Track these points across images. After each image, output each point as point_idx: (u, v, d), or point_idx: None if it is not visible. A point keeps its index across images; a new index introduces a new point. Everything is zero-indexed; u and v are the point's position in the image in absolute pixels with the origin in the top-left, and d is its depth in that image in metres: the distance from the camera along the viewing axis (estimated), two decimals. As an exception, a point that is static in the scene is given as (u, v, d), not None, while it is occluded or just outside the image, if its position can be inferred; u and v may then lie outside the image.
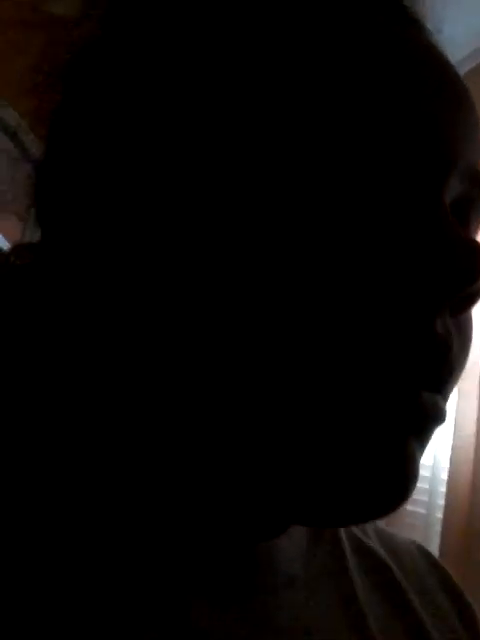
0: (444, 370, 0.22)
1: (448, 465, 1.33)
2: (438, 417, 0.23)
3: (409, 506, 1.45)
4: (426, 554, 0.38)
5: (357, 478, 0.21)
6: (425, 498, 1.42)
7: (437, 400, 0.23)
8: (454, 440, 1.32)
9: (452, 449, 1.32)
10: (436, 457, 1.42)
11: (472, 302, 0.23)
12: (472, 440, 1.29)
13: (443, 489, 1.34)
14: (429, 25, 0.28)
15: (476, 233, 0.28)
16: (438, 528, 1.32)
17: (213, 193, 0.22)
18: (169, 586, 0.25)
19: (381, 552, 0.35)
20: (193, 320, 0.22)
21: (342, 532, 0.33)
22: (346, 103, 0.22)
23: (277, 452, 0.22)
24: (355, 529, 0.35)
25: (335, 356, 0.21)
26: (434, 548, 1.31)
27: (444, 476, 1.35)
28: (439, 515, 1.34)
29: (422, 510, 1.42)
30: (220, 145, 0.22)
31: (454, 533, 1.27)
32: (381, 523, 0.41)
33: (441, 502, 1.34)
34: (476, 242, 0.22)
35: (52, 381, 0.27)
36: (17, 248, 0.29)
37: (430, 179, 0.23)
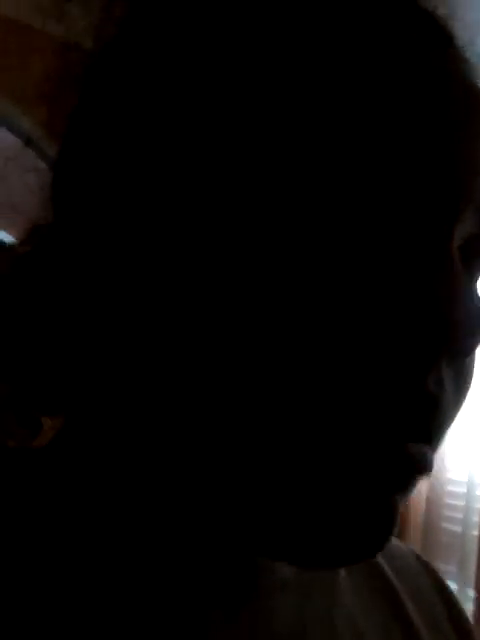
0: (433, 425, 0.22)
1: (483, 481, 1.30)
2: (424, 468, 0.22)
3: (445, 524, 1.42)
4: (423, 562, 0.39)
5: (339, 527, 0.21)
6: (460, 516, 1.39)
7: (425, 451, 0.22)
8: (489, 455, 1.29)
9: (487, 465, 1.29)
10: (471, 474, 1.39)
11: (469, 353, 0.22)
12: (508, 455, 1.26)
13: (479, 505, 1.31)
14: (463, 34, 0.26)
15: None
16: (475, 546, 1.29)
17: (213, 211, 0.22)
18: (179, 594, 0.25)
19: (377, 557, 0.34)
20: (180, 342, 0.22)
21: None
22: (355, 129, 0.21)
23: (261, 492, 0.22)
24: None
25: (324, 408, 0.20)
26: (471, 566, 1.28)
27: (479, 492, 1.32)
28: (475, 533, 1.31)
29: (458, 528, 1.39)
30: (225, 161, 0.22)
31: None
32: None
33: (477, 519, 1.31)
34: (474, 303, 0.21)
35: (55, 382, 0.27)
36: (34, 230, 0.29)
37: (439, 221, 0.21)
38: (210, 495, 0.23)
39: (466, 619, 0.37)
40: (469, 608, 1.22)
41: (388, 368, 0.20)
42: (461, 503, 1.40)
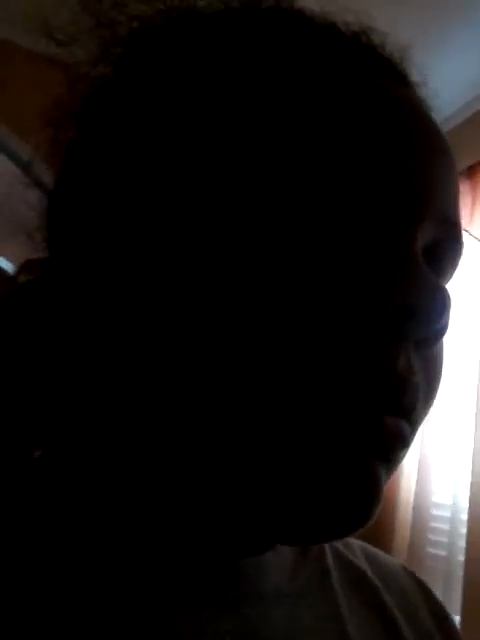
0: (404, 399, 0.24)
1: (468, 505, 1.29)
2: (400, 440, 0.24)
3: (430, 549, 1.41)
4: (411, 574, 0.40)
5: (325, 501, 0.23)
6: (445, 539, 1.38)
7: (400, 424, 0.24)
8: (473, 477, 1.29)
9: (471, 487, 1.29)
10: (455, 497, 1.39)
11: (435, 340, 0.25)
12: (491, 478, 1.26)
13: (464, 530, 1.31)
14: (418, 77, 0.31)
15: (451, 273, 0.30)
16: (460, 572, 1.28)
17: (203, 238, 0.24)
18: (157, 599, 0.26)
19: (367, 570, 0.36)
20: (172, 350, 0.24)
21: (327, 550, 0.35)
22: (319, 153, 0.24)
23: (252, 476, 0.23)
24: (341, 548, 0.36)
25: (302, 388, 0.23)
26: (457, 591, 1.27)
27: (464, 517, 1.32)
28: (460, 558, 1.30)
29: (443, 552, 1.38)
30: (215, 193, 0.24)
31: (477, 575, 1.23)
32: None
33: (462, 544, 1.31)
34: (441, 288, 0.24)
35: (56, 390, 0.28)
36: (27, 263, 0.31)
37: (402, 225, 0.25)
38: (198, 485, 0.24)
39: (456, 630, 0.38)
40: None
41: (361, 351, 0.23)
42: (445, 527, 1.39)
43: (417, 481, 1.47)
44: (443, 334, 0.25)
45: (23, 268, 0.31)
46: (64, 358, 0.28)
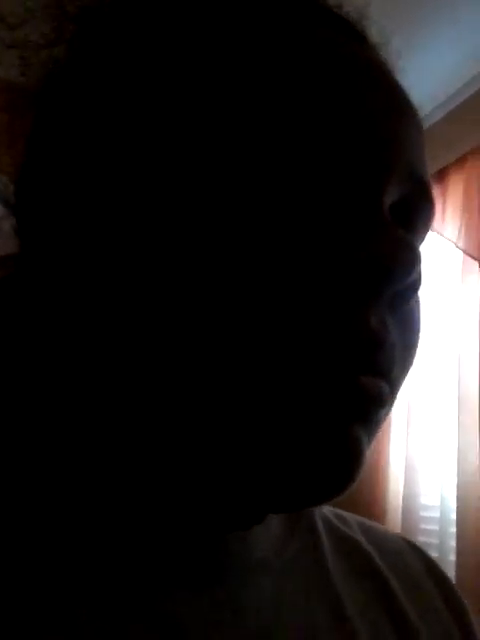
0: (379, 357, 0.24)
1: (456, 504, 1.30)
2: (376, 399, 0.24)
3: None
4: (412, 544, 0.39)
5: (305, 464, 0.23)
6: (436, 541, 1.39)
7: (376, 383, 0.24)
8: (459, 476, 1.30)
9: (458, 487, 1.30)
10: (443, 496, 1.40)
11: (409, 296, 0.25)
12: (478, 475, 1.28)
13: (453, 530, 1.31)
14: (378, 39, 0.31)
15: (422, 233, 0.29)
16: (452, 571, 1.28)
17: (167, 210, 0.24)
18: (146, 574, 0.26)
19: (362, 541, 0.36)
20: (147, 327, 0.23)
21: (318, 521, 0.34)
22: (283, 108, 0.24)
23: (232, 443, 0.23)
24: (335, 521, 0.36)
25: (275, 351, 0.22)
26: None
27: (454, 516, 1.32)
28: (452, 558, 1.31)
29: (434, 554, 1.38)
30: (173, 161, 0.24)
31: (469, 575, 1.23)
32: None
33: (453, 543, 1.31)
34: (409, 240, 0.23)
35: (41, 380, 0.28)
36: (1, 260, 0.30)
37: (369, 181, 0.25)
38: (180, 454, 0.24)
39: (459, 598, 0.38)
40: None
41: (331, 307, 0.23)
42: (435, 528, 1.40)
43: (405, 484, 1.47)
44: (416, 289, 0.25)
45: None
46: (47, 341, 0.27)
